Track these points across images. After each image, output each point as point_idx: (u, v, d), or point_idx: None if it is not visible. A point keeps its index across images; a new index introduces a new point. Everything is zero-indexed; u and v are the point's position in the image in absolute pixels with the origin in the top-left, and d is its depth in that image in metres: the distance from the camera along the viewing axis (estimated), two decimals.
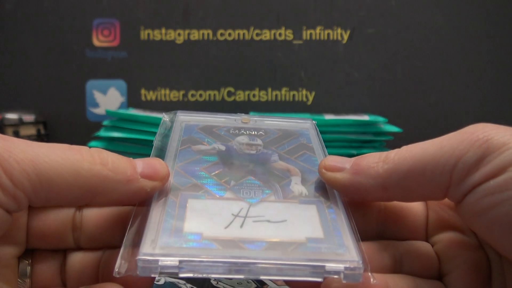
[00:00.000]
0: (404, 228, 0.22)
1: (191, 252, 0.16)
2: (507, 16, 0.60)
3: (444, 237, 0.21)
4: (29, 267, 0.20)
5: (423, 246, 0.22)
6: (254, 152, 0.24)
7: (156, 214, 0.18)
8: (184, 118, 0.27)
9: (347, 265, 0.17)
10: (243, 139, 0.25)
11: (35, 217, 0.21)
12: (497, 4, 0.60)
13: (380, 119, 0.51)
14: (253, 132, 0.26)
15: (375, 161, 0.19)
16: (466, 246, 0.21)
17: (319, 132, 0.27)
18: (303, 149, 0.25)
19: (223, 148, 0.24)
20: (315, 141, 0.26)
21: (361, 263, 0.17)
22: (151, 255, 0.16)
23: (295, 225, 0.19)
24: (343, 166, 0.20)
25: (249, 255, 0.17)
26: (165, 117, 0.27)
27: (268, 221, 0.19)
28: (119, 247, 0.19)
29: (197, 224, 0.18)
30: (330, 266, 0.17)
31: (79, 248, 0.22)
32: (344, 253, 0.17)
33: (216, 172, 0.22)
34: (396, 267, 0.21)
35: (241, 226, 0.18)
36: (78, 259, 0.21)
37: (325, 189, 0.21)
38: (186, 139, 0.24)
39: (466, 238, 0.21)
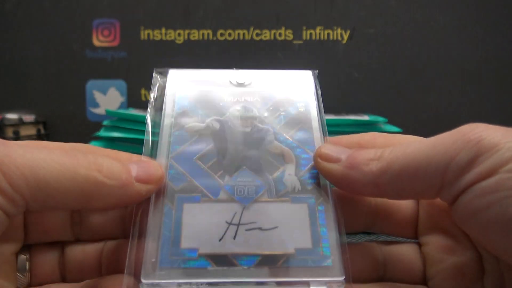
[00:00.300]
0: (393, 224, 0.22)
1: (188, 273, 0.18)
2: (507, 16, 0.60)
3: (432, 240, 0.21)
4: (27, 262, 0.21)
5: (408, 249, 0.22)
6: (249, 130, 0.23)
7: (154, 227, 0.19)
8: (176, 81, 0.25)
9: (330, 286, 0.18)
10: (238, 110, 0.24)
11: (33, 212, 0.21)
12: (497, 4, 0.60)
13: (380, 119, 0.51)
14: (249, 99, 0.25)
15: (370, 157, 0.19)
16: (453, 250, 0.21)
17: (318, 88, 0.25)
18: (300, 121, 0.24)
19: (217, 126, 0.23)
20: (313, 107, 0.24)
21: (343, 279, 0.18)
22: (152, 284, 0.18)
23: (286, 232, 0.20)
24: (338, 156, 0.20)
25: (241, 274, 0.18)
26: (156, 77, 0.25)
27: (260, 228, 0.20)
28: (119, 238, 0.21)
29: (193, 236, 0.19)
30: (314, 284, 0.18)
31: (78, 241, 0.22)
32: (329, 266, 0.19)
33: (210, 163, 0.22)
34: (379, 271, 0.21)
35: (234, 237, 0.19)
36: (78, 252, 0.21)
37: (318, 179, 0.21)
38: (179, 114, 0.24)
39: (454, 242, 0.21)
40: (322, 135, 0.23)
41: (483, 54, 0.60)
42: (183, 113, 0.24)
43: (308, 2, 0.60)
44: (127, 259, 0.19)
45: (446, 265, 0.20)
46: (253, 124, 0.23)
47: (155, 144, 0.23)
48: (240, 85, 0.26)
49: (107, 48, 0.60)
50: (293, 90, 0.25)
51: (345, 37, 0.60)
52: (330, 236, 0.19)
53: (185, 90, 0.25)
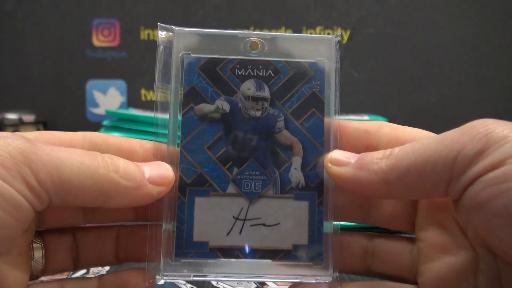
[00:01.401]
0: (387, 215, 0.23)
1: (201, 265, 0.21)
2: (507, 16, 0.60)
3: (428, 236, 0.22)
4: (43, 250, 0.21)
5: (397, 243, 0.22)
6: (259, 114, 0.23)
7: (169, 220, 0.21)
8: (184, 45, 0.24)
9: (320, 280, 0.21)
10: (249, 87, 0.23)
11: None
12: (497, 4, 0.60)
13: (380, 119, 0.51)
14: (261, 73, 0.23)
15: (379, 156, 0.20)
16: (448, 248, 0.21)
17: (338, 61, 0.23)
18: (312, 105, 0.23)
19: (227, 108, 0.23)
20: (328, 87, 0.23)
21: (333, 275, 0.21)
22: (169, 276, 0.21)
23: (286, 229, 0.22)
24: (348, 160, 0.21)
25: (245, 267, 0.21)
26: (161, 34, 0.23)
27: (264, 224, 0.22)
28: (132, 222, 0.23)
29: (204, 230, 0.22)
30: (306, 279, 0.21)
31: (90, 225, 0.23)
32: (321, 262, 0.21)
33: (220, 153, 0.22)
34: (367, 261, 0.22)
35: (240, 231, 0.21)
36: (91, 238, 0.23)
37: (323, 176, 0.22)
38: (187, 92, 0.23)
39: (450, 240, 0.21)
40: (333, 121, 0.23)
41: (484, 54, 0.60)
42: (191, 89, 0.23)
43: (308, 2, 0.60)
44: (147, 254, 0.21)
45: (439, 263, 0.21)
46: (264, 107, 0.23)
47: (164, 122, 0.23)
48: (253, 51, 0.24)
49: (107, 48, 0.60)
50: (310, 62, 0.24)
51: (345, 37, 0.60)
52: (325, 233, 0.21)
53: (193, 58, 0.23)
